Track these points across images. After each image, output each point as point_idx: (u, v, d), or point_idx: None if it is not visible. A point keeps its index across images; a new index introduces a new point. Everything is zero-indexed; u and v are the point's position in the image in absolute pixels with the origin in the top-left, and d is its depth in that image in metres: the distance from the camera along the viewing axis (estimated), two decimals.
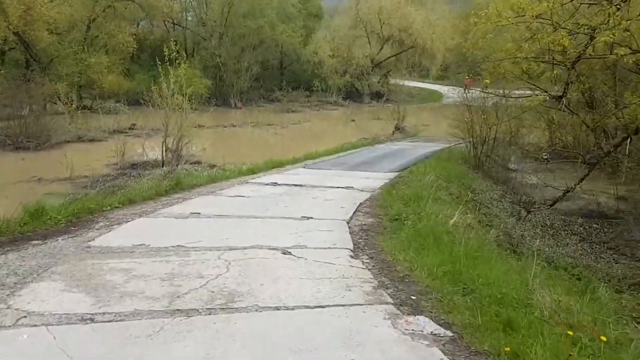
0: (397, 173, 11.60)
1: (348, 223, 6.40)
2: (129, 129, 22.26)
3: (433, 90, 48.95)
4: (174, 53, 11.67)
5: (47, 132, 17.97)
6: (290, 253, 4.77)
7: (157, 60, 12.05)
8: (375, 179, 10.57)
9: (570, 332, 2.99)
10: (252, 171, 11.62)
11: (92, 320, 3.24)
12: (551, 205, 9.94)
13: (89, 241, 5.11)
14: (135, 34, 33.83)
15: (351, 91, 41.02)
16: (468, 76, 31.92)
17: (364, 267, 4.42)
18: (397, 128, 23.66)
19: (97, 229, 5.79)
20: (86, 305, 3.45)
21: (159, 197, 8.19)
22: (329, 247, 5.05)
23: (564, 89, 8.16)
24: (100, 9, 28.37)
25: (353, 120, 30.30)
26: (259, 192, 8.45)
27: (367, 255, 4.87)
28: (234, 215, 6.56)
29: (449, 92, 44.12)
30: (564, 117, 15.33)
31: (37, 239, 5.24)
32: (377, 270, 4.37)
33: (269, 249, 4.92)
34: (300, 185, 9.21)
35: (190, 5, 39.40)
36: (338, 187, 9.19)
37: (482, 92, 14.72)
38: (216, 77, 33.91)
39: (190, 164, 14.01)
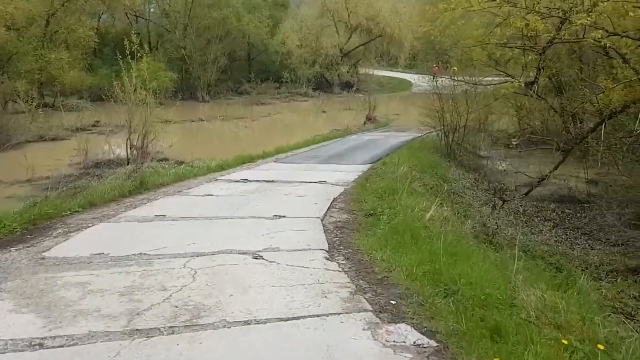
0: (370, 165, 11.41)
1: (322, 220, 6.16)
2: (93, 126, 21.49)
3: (402, 79, 48.93)
4: (136, 46, 11.19)
5: (7, 132, 17.12)
6: (261, 257, 4.49)
7: (118, 54, 11.52)
8: (349, 172, 10.36)
9: (560, 335, 2.82)
10: (222, 167, 11.26)
11: (41, 345, 2.91)
12: (526, 194, 9.91)
13: (44, 251, 4.73)
14: (97, 28, 32.71)
15: (321, 82, 40.64)
16: (436, 64, 32.07)
17: (340, 269, 4.18)
18: (368, 118, 23.50)
19: (54, 237, 5.39)
20: (36, 328, 3.11)
21: (122, 199, 7.79)
22: (303, 249, 4.79)
23: (536, 74, 8.05)
24: (59, 3, 27.19)
25: (324, 112, 30.02)
26: (229, 190, 8.13)
27: (343, 255, 4.63)
28: (202, 216, 6.23)
29: (418, 81, 44.30)
30: (532, 103, 15.42)
31: None
32: (353, 272, 4.13)
33: (239, 253, 4.63)
34: (272, 181, 8.92)
35: None
36: (311, 182, 8.93)
37: (453, 79, 14.64)
38: (182, 70, 33.07)
39: (157, 161, 13.54)
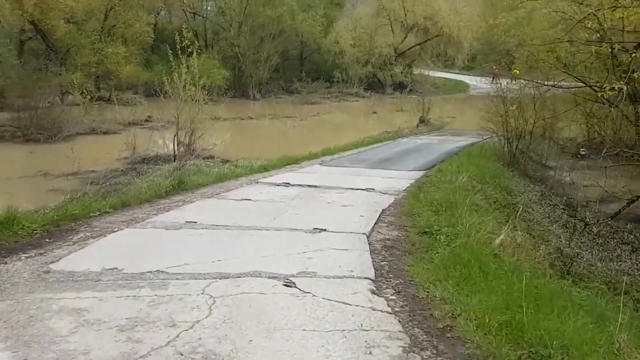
0: (424, 172, 10.48)
1: (368, 237, 5.36)
2: (145, 121, 21.52)
3: (459, 80, 47.17)
4: (186, 41, 10.82)
5: (59, 124, 17.29)
6: (294, 285, 3.75)
7: (169, 50, 11.18)
8: (400, 179, 9.49)
9: None
10: (265, 168, 10.66)
11: None
12: (612, 218, 8.68)
13: (53, 262, 4.19)
14: (154, 24, 33.13)
15: (373, 82, 39.64)
16: (497, 66, 30.45)
17: (390, 309, 3.37)
18: (421, 120, 22.40)
19: (72, 244, 4.87)
20: None
21: (157, 200, 7.28)
22: (345, 276, 4.01)
23: (627, 77, 6.90)
24: None
25: (375, 112, 29.05)
26: (269, 195, 7.46)
27: (392, 288, 3.82)
28: (235, 225, 5.57)
29: (476, 83, 42.52)
30: (602, 110, 13.97)
31: None
32: (406, 315, 3.31)
33: (269, 277, 3.91)
34: (315, 187, 8.18)
35: None
36: (357, 189, 8.14)
37: (520, 81, 13.43)
38: (235, 68, 32.97)
39: (203, 158, 13.17)
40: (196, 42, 11.43)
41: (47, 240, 5.05)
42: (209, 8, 39.20)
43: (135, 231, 5.38)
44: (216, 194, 7.55)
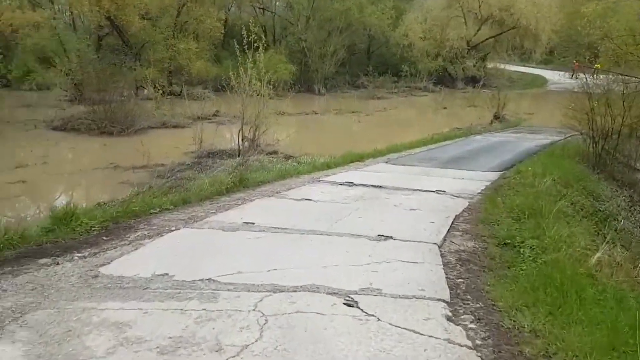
0: (500, 173, 9.68)
1: (440, 248, 4.82)
2: (213, 115, 21.77)
3: (536, 75, 44.63)
4: (253, 36, 10.68)
5: (132, 117, 17.79)
6: (356, 304, 3.31)
7: (236, 45, 11.10)
8: (473, 180, 8.79)
9: None
10: (328, 166, 10.28)
11: None
12: None
13: (103, 265, 4.00)
14: (225, 20, 33.68)
15: (443, 76, 38.23)
16: (577, 60, 28.35)
17: (470, 343, 2.85)
18: (496, 117, 21.16)
19: (128, 243, 4.69)
20: None
21: (217, 197, 7.09)
22: (414, 296, 3.52)
23: None
24: None
25: (445, 108, 27.90)
26: (330, 195, 7.05)
27: (471, 314, 3.28)
28: (294, 228, 5.20)
29: (555, 77, 39.97)
30: None
31: (49, 256, 4.24)
32: (490, 351, 2.78)
33: (328, 293, 3.49)
34: (380, 187, 7.68)
35: None
36: (427, 191, 7.56)
37: (612, 75, 12.21)
38: (301, 63, 32.88)
39: (267, 154, 13.01)
40: (263, 37, 11.24)
41: (103, 238, 4.92)
42: (277, 3, 39.45)
43: (191, 232, 5.15)
44: (276, 193, 7.25)
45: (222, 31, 31.15)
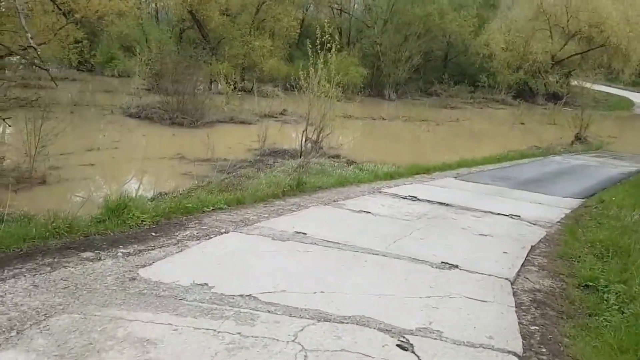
0: (581, 200, 8.78)
1: (513, 284, 4.24)
2: (280, 114, 21.80)
3: (622, 96, 41.61)
4: (326, 36, 10.43)
5: (202, 110, 18.08)
6: (412, 348, 2.85)
7: (309, 44, 10.87)
8: (551, 207, 7.98)
9: None
10: (391, 176, 9.78)
11: None
12: None
13: (144, 266, 3.77)
14: (302, 19, 33.83)
15: (523, 89, 36.37)
16: None
17: None
18: (577, 137, 19.68)
19: (175, 242, 4.48)
20: None
21: (272, 200, 6.82)
22: (482, 345, 3.00)
23: None
24: None
25: (522, 123, 26.39)
26: (391, 209, 6.57)
27: None
28: (347, 244, 4.78)
29: None
30: None
31: (94, 249, 4.08)
32: None
33: (379, 329, 3.05)
34: (447, 205, 7.10)
35: None
36: (499, 214, 6.90)
37: None
38: (373, 67, 32.36)
39: (329, 157, 12.71)
40: (337, 38, 10.97)
41: (152, 234, 4.75)
42: (355, 5, 39.16)
43: (240, 237, 4.86)
44: (334, 201, 6.86)
45: (298, 30, 31.26)
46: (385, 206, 6.68)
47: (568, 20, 35.28)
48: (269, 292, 3.45)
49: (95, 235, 4.42)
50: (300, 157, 11.55)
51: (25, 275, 3.36)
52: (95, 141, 13.37)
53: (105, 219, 4.70)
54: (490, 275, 4.36)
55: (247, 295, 3.37)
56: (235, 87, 22.95)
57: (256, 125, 18.09)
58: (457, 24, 33.25)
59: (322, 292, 3.55)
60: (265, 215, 5.82)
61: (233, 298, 3.33)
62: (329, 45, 10.32)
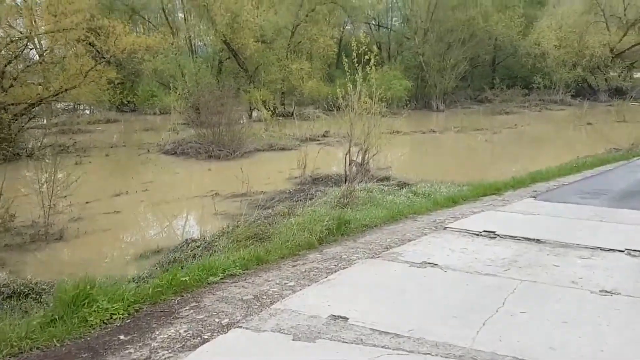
0: None
1: None
2: (322, 136, 20.50)
3: None
4: (363, 47, 9.02)
5: (239, 140, 17.00)
6: None
7: (346, 61, 9.48)
8: None
9: None
10: (454, 200, 8.08)
11: None
12: None
13: None
14: (339, 38, 32.71)
15: (582, 87, 33.57)
16: None
17: None
18: None
19: (146, 357, 3.01)
20: None
21: (304, 253, 5.31)
22: None
23: None
24: (304, 14, 27.50)
25: (589, 124, 23.78)
26: (465, 257, 4.85)
27: None
28: (412, 337, 3.14)
29: None
30: None
31: None
32: None
33: None
34: (539, 242, 5.31)
35: (395, 4, 36.90)
36: (610, 250, 5.05)
37: None
38: (417, 78, 30.68)
39: (377, 180, 11.11)
40: (376, 50, 9.50)
41: (120, 337, 3.30)
42: (394, 19, 37.83)
43: (245, 338, 3.29)
44: (385, 249, 5.23)
45: (335, 50, 30.13)
46: (455, 252, 4.98)
47: (625, 9, 32.57)
48: None
49: (31, 350, 3.00)
50: (345, 182, 10.04)
51: None
52: (124, 184, 12.37)
53: (57, 318, 3.28)
54: None
55: None
56: (273, 113, 21.86)
57: (297, 151, 16.74)
58: (503, 25, 31.23)
59: None
60: (291, 285, 4.27)
61: None
62: (367, 57, 8.88)
